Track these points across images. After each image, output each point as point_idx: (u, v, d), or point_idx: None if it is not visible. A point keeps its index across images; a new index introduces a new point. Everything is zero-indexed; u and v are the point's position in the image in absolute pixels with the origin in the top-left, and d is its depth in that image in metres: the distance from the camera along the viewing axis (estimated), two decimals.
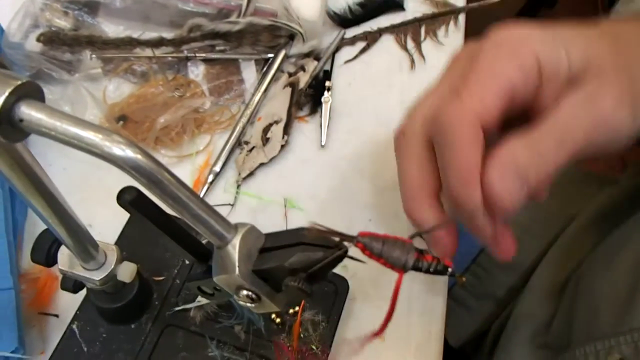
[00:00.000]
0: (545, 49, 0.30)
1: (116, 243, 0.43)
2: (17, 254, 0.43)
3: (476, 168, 0.28)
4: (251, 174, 0.52)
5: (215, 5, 0.56)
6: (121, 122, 0.51)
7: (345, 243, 0.20)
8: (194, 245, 0.22)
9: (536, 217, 0.59)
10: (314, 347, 0.42)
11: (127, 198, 0.19)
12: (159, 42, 0.55)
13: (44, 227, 0.32)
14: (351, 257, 0.20)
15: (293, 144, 0.55)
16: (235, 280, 0.20)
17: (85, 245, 0.33)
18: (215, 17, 0.57)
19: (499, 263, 0.66)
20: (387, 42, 0.62)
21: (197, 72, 0.56)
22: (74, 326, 0.41)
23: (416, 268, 0.19)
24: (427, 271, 0.20)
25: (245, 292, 0.20)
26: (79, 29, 0.55)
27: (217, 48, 0.57)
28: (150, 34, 0.56)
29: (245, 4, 0.56)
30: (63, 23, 0.54)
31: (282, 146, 0.53)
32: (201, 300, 0.42)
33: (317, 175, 0.53)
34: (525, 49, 0.30)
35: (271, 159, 0.53)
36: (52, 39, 0.53)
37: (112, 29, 0.57)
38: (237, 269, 0.20)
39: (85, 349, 0.41)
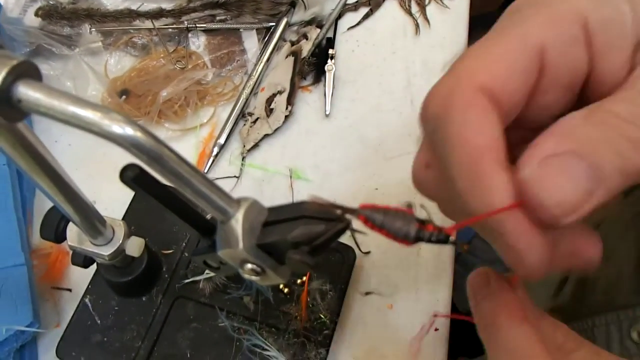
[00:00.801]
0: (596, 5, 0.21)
1: (124, 218, 0.44)
2: (27, 230, 0.44)
3: (486, 150, 0.20)
4: (256, 145, 0.52)
5: None
6: (124, 97, 0.50)
7: (347, 216, 0.20)
8: (198, 220, 0.22)
9: None
10: (322, 315, 0.42)
11: (130, 175, 0.19)
12: (158, 14, 0.55)
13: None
14: (353, 230, 0.20)
15: (297, 114, 0.54)
16: (239, 254, 0.20)
17: (93, 222, 0.34)
18: None
19: None
20: (391, 7, 0.61)
21: (198, 43, 0.56)
22: (87, 300, 0.42)
23: (418, 238, 0.19)
24: (429, 241, 0.20)
25: (249, 266, 0.21)
26: (77, 2, 0.54)
27: (218, 18, 0.56)
28: (150, 5, 0.55)
29: None
30: None
31: (286, 117, 0.53)
32: (210, 272, 0.43)
33: (322, 145, 0.53)
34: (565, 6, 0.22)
35: (275, 130, 0.52)
36: (50, 13, 0.52)
37: (110, 1, 0.56)
38: (240, 243, 0.20)
39: (99, 322, 0.42)
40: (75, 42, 0.53)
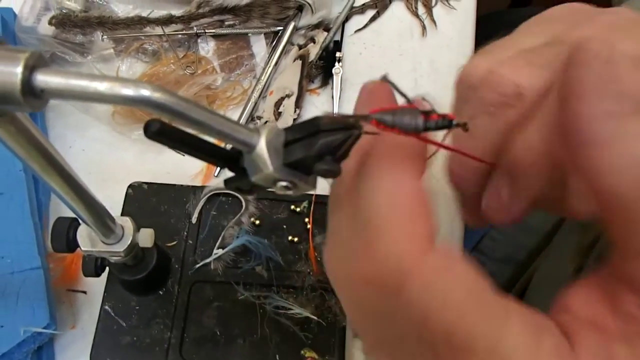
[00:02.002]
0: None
1: None
2: (43, 234, 0.45)
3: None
4: None
5: None
6: None
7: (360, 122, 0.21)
8: (221, 154, 0.23)
9: None
10: None
11: (153, 130, 0.20)
12: (168, 20, 0.56)
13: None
14: (368, 132, 0.21)
15: (305, 116, 0.55)
16: (271, 176, 0.22)
17: (105, 220, 0.34)
18: None
19: (520, 226, 0.65)
20: (398, 9, 0.62)
21: (207, 48, 0.57)
22: (107, 306, 0.43)
23: (426, 128, 0.21)
24: (436, 128, 0.21)
25: (281, 183, 0.22)
26: (89, 10, 0.55)
27: (226, 23, 0.57)
28: (160, 12, 0.56)
29: None
30: (73, 5, 0.55)
31: (295, 120, 0.53)
32: (217, 252, 0.45)
33: None
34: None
35: None
36: (63, 21, 0.54)
37: (121, 9, 0.57)
38: (270, 166, 0.21)
39: (124, 324, 0.43)
40: (88, 49, 0.54)
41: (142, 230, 0.38)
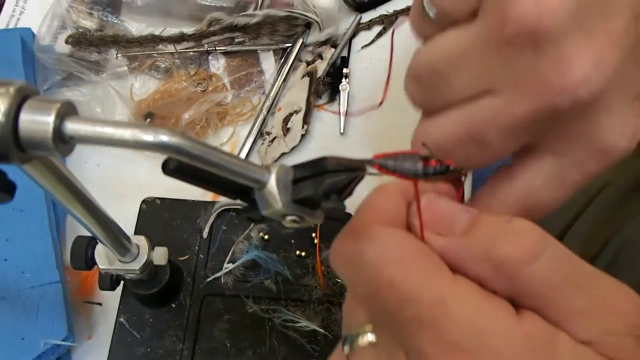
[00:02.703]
0: None
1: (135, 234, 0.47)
2: (61, 248, 0.47)
3: None
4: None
5: None
6: (148, 120, 0.53)
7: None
8: (233, 187, 0.25)
9: None
10: (339, 279, 0.46)
11: (171, 168, 0.22)
12: (180, 38, 0.57)
13: None
14: (371, 173, 0.23)
15: (313, 132, 0.56)
16: (281, 212, 0.24)
17: (121, 240, 0.36)
18: (233, 9, 0.58)
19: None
20: (404, 25, 0.63)
21: (218, 65, 0.58)
22: (122, 319, 0.45)
23: (425, 174, 0.22)
24: (434, 174, 0.23)
25: (290, 217, 0.24)
26: (104, 29, 0.57)
27: (236, 40, 0.59)
28: (172, 30, 0.58)
29: None
30: (89, 24, 0.57)
31: (303, 135, 0.55)
32: (227, 266, 0.47)
33: None
34: None
35: (292, 149, 0.55)
36: (79, 40, 0.55)
37: (135, 27, 0.59)
38: (279, 203, 0.23)
39: (138, 336, 0.45)
40: (103, 67, 0.56)
41: (157, 248, 0.39)
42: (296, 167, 0.24)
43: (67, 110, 0.20)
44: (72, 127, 0.20)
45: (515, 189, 0.27)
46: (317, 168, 0.23)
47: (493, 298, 0.21)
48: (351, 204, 0.24)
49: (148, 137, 0.20)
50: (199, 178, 0.24)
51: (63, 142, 0.20)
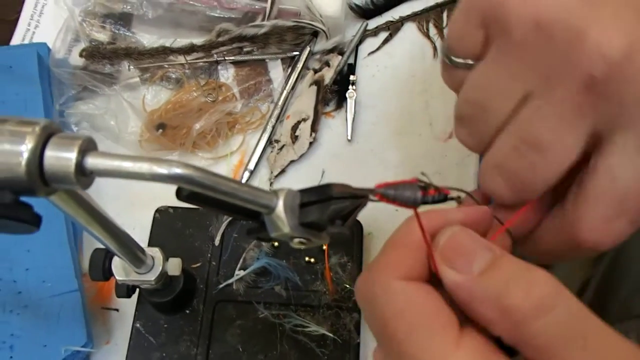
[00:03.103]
0: None
1: (149, 244, 0.48)
2: (78, 257, 0.49)
3: None
4: (282, 171, 0.56)
5: (241, 9, 0.59)
6: (160, 130, 0.55)
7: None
8: (244, 211, 0.27)
9: None
10: (347, 285, 0.48)
11: (184, 194, 0.24)
12: (190, 49, 0.59)
13: None
14: (372, 200, 0.25)
15: (321, 139, 0.57)
16: (288, 234, 0.25)
17: (136, 254, 0.38)
18: (242, 20, 0.59)
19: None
20: (410, 31, 0.64)
21: (227, 75, 0.59)
22: (138, 325, 0.47)
23: (424, 202, 0.24)
24: (432, 202, 0.24)
25: (297, 239, 0.26)
26: (117, 41, 0.59)
27: (245, 50, 0.60)
28: (182, 41, 0.59)
29: (269, 6, 0.58)
30: (102, 37, 0.58)
31: (311, 143, 0.56)
32: (239, 273, 0.49)
33: (345, 169, 0.56)
34: None
35: (301, 156, 0.56)
36: (93, 53, 0.57)
37: (146, 39, 0.60)
38: (287, 227, 0.25)
39: (153, 341, 0.47)
40: (116, 79, 0.58)
41: (171, 259, 0.41)
42: (303, 191, 0.25)
43: (88, 146, 0.22)
44: (92, 162, 0.21)
45: (601, 185, 0.25)
46: (322, 194, 0.24)
47: None
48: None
49: (162, 170, 0.22)
50: (210, 203, 0.25)
51: (84, 175, 0.22)
